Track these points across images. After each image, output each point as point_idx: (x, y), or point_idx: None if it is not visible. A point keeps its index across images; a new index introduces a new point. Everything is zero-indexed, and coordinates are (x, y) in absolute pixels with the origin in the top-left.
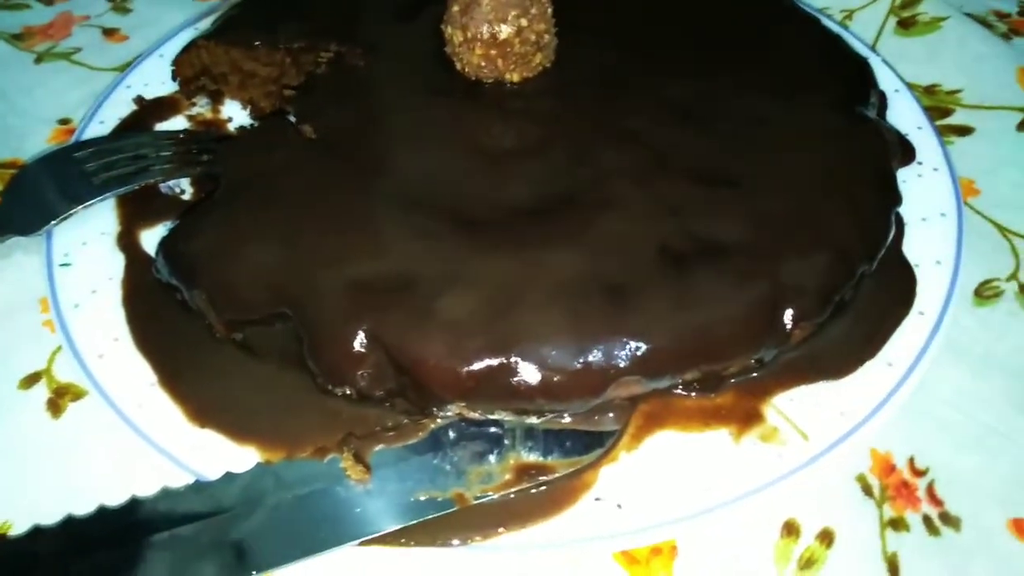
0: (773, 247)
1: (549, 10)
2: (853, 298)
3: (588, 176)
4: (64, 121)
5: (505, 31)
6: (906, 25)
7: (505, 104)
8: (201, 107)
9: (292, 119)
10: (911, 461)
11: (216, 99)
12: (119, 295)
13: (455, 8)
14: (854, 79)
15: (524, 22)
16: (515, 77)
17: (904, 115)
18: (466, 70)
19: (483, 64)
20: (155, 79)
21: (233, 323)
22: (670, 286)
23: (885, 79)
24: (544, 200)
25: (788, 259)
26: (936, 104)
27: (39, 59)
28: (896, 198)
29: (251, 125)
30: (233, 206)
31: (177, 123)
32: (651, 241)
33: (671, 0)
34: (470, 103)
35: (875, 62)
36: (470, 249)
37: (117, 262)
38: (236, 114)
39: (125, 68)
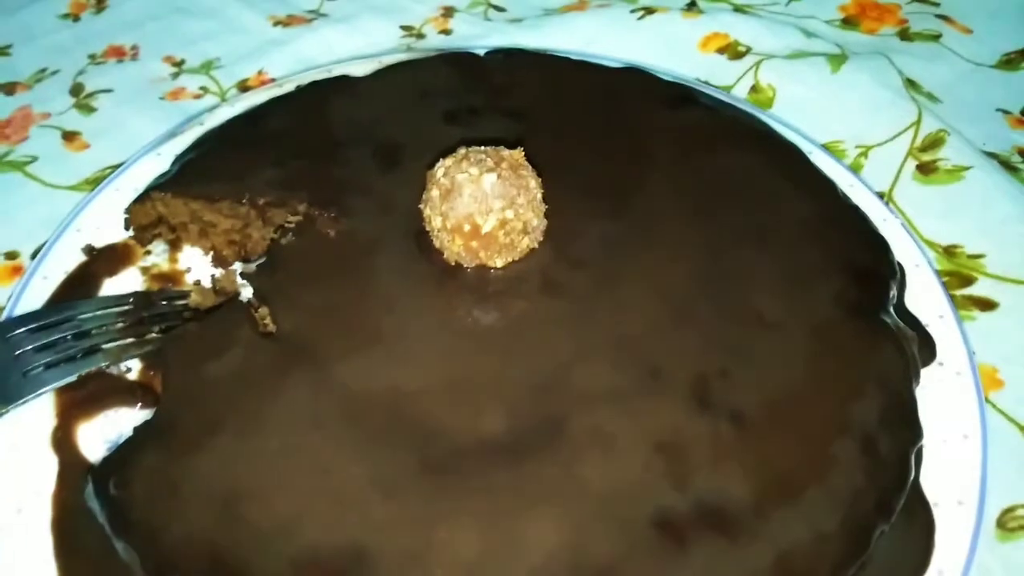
0: (778, 516)
1: (539, 195)
2: (867, 561)
3: (573, 399)
4: (11, 255)
5: (489, 224)
6: (926, 171)
7: (486, 292)
8: (157, 255)
9: (249, 297)
10: None
11: (174, 246)
12: (48, 514)
13: (434, 192)
14: (874, 276)
15: (510, 214)
16: (499, 263)
17: (924, 298)
18: (445, 254)
19: (463, 253)
20: (108, 220)
21: None
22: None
23: (904, 248)
24: (523, 432)
25: (796, 531)
26: (956, 269)
27: None
28: (917, 435)
29: (206, 287)
30: (172, 439)
31: (130, 276)
32: (644, 507)
33: (671, 170)
34: (446, 295)
35: (894, 226)
36: (436, 509)
37: (49, 466)
38: (196, 263)
39: (82, 186)
